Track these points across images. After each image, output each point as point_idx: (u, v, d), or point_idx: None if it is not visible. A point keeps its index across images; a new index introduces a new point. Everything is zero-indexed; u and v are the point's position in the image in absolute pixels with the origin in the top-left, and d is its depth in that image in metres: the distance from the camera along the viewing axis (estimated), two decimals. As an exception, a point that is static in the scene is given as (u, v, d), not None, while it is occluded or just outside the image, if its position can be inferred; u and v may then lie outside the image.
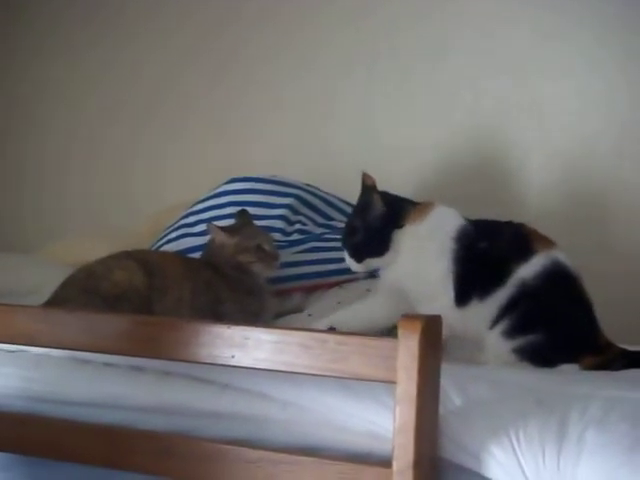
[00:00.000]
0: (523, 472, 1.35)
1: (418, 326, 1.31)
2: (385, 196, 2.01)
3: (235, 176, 2.50)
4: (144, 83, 3.24)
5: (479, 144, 2.75)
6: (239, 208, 2.32)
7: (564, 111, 2.69)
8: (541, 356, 1.86)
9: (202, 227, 2.34)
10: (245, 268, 2.17)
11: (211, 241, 2.21)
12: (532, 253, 1.90)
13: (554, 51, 2.71)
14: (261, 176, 2.52)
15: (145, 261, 2.10)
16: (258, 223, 2.29)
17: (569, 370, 1.85)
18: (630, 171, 2.62)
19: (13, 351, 1.74)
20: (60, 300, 2.00)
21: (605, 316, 1.93)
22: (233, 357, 1.43)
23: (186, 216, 2.50)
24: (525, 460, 1.35)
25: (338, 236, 2.25)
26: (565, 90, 2.69)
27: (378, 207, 1.97)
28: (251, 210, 2.32)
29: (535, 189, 2.68)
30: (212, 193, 2.51)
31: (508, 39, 2.75)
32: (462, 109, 2.80)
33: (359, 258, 2.00)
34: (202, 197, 2.53)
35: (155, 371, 1.64)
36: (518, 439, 1.37)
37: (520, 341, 1.87)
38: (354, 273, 2.27)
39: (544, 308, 1.88)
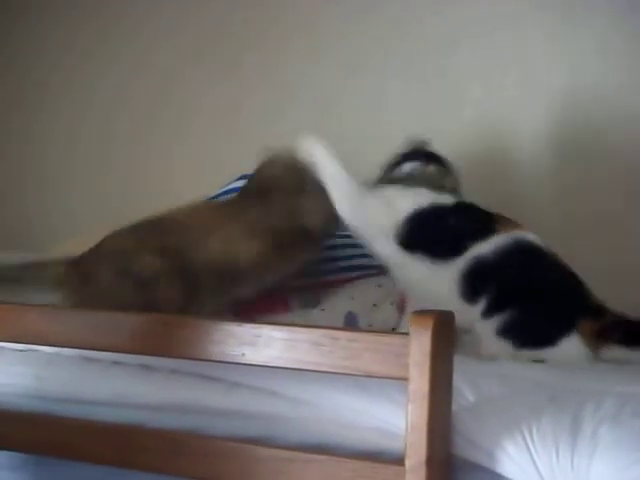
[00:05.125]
0: (537, 469, 1.34)
1: (430, 322, 1.30)
2: None
3: (246, 173, 2.49)
4: (151, 79, 3.22)
5: (489, 138, 2.74)
6: None
7: (573, 105, 2.67)
8: (529, 333, 1.85)
9: None
10: None
11: None
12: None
13: (564, 46, 2.69)
14: None
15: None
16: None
17: (571, 344, 1.82)
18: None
19: (23, 350, 1.74)
20: (94, 277, 1.99)
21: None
22: (244, 355, 1.43)
23: None
24: (539, 457, 1.34)
25: (349, 233, 2.23)
26: (574, 84, 2.67)
27: None
28: None
29: (545, 182, 2.66)
30: (223, 190, 2.50)
31: (518, 33, 2.73)
32: (472, 103, 2.79)
33: None
34: (213, 194, 2.52)
35: (166, 369, 1.64)
36: (531, 436, 1.36)
37: (499, 320, 1.86)
38: (366, 269, 2.27)
39: (516, 283, 1.88)
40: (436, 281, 1.93)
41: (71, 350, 1.67)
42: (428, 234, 1.99)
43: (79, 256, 2.07)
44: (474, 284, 1.89)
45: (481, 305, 1.88)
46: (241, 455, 1.47)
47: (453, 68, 2.80)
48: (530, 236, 1.93)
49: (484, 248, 1.89)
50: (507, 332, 1.85)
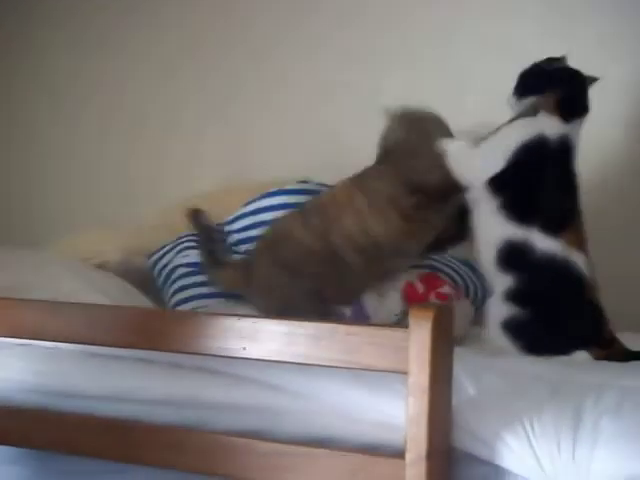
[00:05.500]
0: (538, 461, 1.34)
1: (430, 316, 1.30)
2: None
3: (269, 190, 2.45)
4: (143, 78, 3.20)
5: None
6: None
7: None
8: (538, 342, 1.86)
9: (244, 247, 2.36)
10: None
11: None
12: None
13: (565, 37, 2.68)
14: (294, 187, 2.46)
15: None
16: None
17: (581, 357, 1.84)
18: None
19: (23, 345, 1.74)
20: (256, 276, 2.07)
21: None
22: (244, 349, 1.42)
23: (228, 234, 2.44)
24: (540, 449, 1.35)
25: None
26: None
27: None
28: None
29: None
30: (247, 210, 2.47)
31: (518, 24, 2.73)
32: (472, 95, 2.78)
33: None
34: (237, 214, 2.46)
35: (166, 363, 1.64)
36: (533, 428, 1.37)
37: (512, 311, 1.88)
38: None
39: (546, 295, 1.89)
40: (492, 229, 1.95)
41: (71, 345, 1.67)
42: (517, 182, 1.95)
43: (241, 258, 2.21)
44: (511, 259, 1.91)
45: (508, 280, 1.90)
46: (242, 449, 1.47)
47: (454, 56, 2.80)
48: (581, 261, 1.91)
49: (539, 242, 1.89)
50: (513, 329, 1.88)
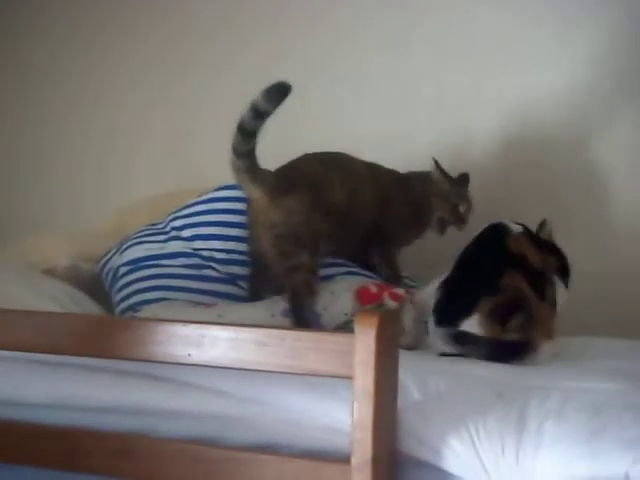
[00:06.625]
0: (482, 465, 1.35)
1: (375, 321, 1.31)
2: None
3: (226, 183, 2.45)
4: (115, 82, 3.21)
5: (442, 138, 2.74)
6: (227, 216, 2.33)
7: (527, 105, 2.69)
8: (443, 311, 1.93)
9: (191, 232, 2.35)
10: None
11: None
12: None
13: (519, 45, 2.71)
14: None
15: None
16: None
17: (471, 327, 1.85)
18: (590, 162, 2.64)
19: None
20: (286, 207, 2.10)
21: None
22: (189, 355, 1.42)
23: (173, 219, 2.45)
24: (484, 453, 1.35)
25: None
26: (529, 84, 2.70)
27: None
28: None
29: (496, 182, 2.68)
30: (200, 199, 2.46)
31: (472, 32, 2.75)
32: (424, 104, 2.80)
33: None
34: (189, 202, 2.46)
35: (112, 371, 1.62)
36: (477, 432, 1.37)
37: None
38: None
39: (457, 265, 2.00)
40: None
41: (14, 352, 1.64)
42: None
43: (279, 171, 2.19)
44: None
45: None
46: (189, 456, 1.47)
47: (405, 69, 2.81)
48: (512, 226, 2.01)
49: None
50: (434, 308, 1.94)
